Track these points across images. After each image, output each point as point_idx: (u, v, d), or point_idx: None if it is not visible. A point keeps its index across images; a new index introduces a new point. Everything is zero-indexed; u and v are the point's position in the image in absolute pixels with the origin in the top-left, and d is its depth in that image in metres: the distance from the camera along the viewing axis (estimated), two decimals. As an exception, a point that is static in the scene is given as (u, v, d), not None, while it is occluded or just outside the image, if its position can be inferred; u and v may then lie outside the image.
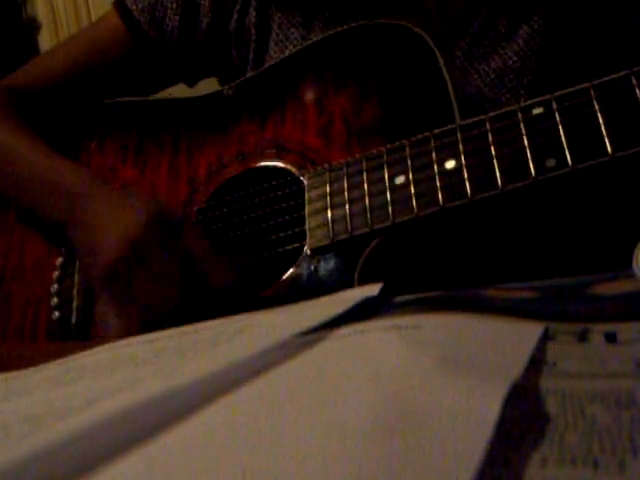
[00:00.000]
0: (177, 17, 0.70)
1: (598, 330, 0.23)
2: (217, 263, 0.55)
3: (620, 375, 0.19)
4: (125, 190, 0.63)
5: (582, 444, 0.16)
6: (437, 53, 0.55)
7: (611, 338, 0.22)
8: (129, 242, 0.53)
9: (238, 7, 0.69)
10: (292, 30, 0.67)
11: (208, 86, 0.75)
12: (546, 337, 0.23)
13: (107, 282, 0.54)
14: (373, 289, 0.32)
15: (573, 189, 0.50)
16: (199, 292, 0.53)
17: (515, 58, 0.60)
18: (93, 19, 1.77)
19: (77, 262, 0.64)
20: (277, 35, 0.67)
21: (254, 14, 0.68)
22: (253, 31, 0.68)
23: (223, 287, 0.54)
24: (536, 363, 0.21)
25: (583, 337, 0.23)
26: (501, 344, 0.23)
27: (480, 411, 0.17)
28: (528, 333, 0.23)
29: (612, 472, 0.14)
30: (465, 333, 0.25)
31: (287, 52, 0.66)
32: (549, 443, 0.16)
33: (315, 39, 0.62)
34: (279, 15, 0.67)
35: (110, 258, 0.53)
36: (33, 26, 1.78)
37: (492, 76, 0.60)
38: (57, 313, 0.63)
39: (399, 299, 0.33)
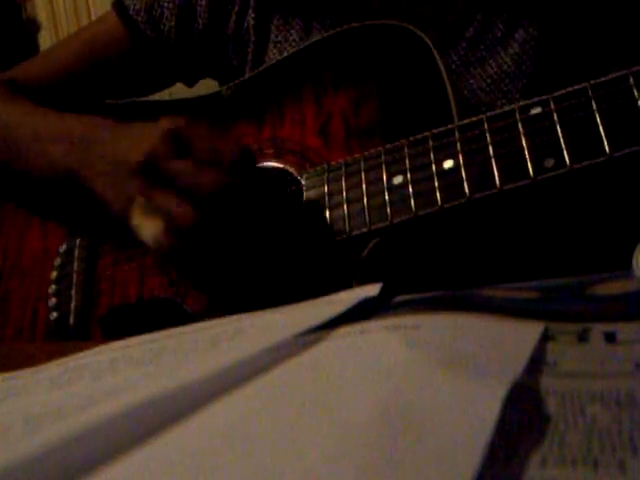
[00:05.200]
0: (174, 17, 0.70)
1: (598, 330, 0.23)
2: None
3: (620, 375, 0.19)
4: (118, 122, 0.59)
5: (582, 444, 0.16)
6: (436, 54, 0.55)
7: (611, 338, 0.22)
8: (162, 131, 0.50)
9: (236, 9, 0.69)
10: (291, 32, 0.67)
11: (208, 86, 0.75)
12: (546, 337, 0.23)
13: (145, 176, 0.49)
14: (373, 289, 0.32)
15: (572, 189, 0.50)
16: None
17: (510, 63, 0.60)
18: (93, 20, 1.77)
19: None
20: (276, 37, 0.67)
21: (253, 16, 0.68)
22: (252, 33, 0.68)
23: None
24: (536, 363, 0.21)
25: (583, 337, 0.23)
26: (501, 344, 0.23)
27: (480, 411, 0.17)
28: (528, 333, 0.23)
29: (612, 472, 0.14)
30: (465, 333, 0.25)
31: (286, 54, 0.66)
32: (549, 443, 0.16)
33: (314, 39, 0.62)
34: (278, 17, 0.67)
35: (144, 148, 0.49)
36: (33, 27, 1.78)
37: (488, 81, 0.60)
38: (55, 314, 0.63)
39: (399, 299, 0.33)
